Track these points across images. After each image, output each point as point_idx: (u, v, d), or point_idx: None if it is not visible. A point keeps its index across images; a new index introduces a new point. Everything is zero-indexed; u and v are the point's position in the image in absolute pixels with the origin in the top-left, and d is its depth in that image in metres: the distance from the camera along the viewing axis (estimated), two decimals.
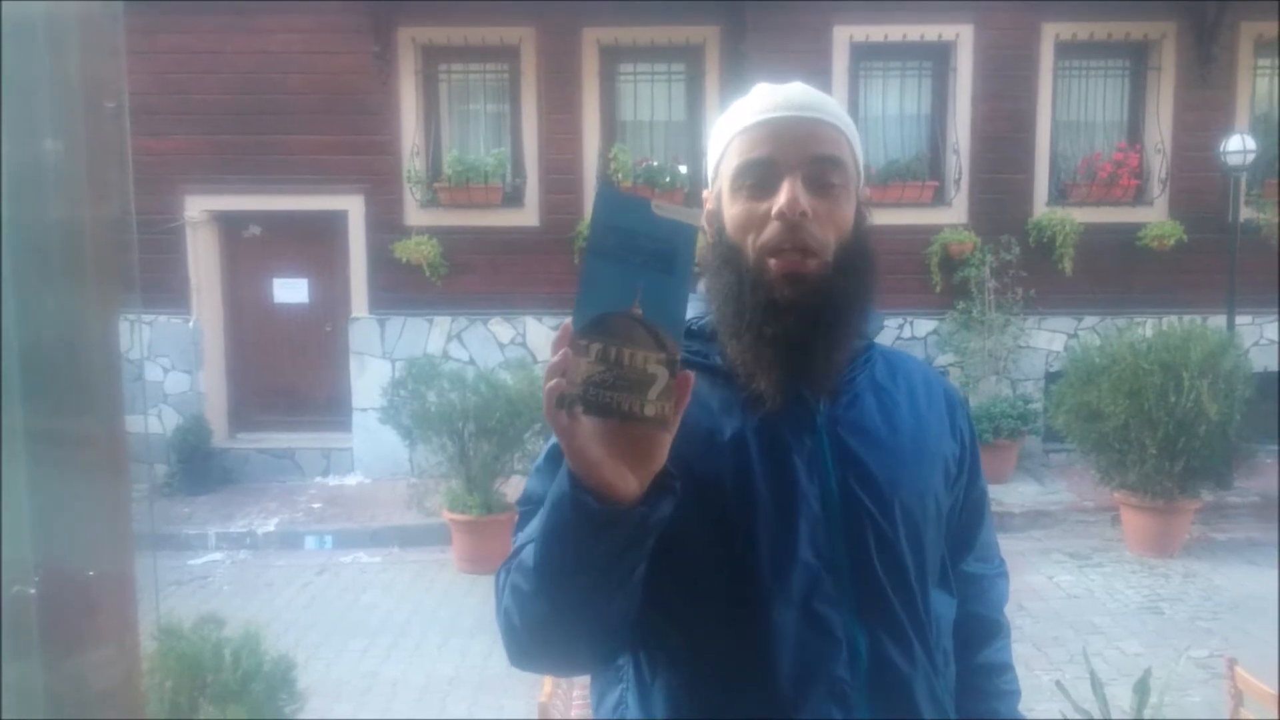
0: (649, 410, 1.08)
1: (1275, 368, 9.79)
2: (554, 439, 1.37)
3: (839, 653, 1.33)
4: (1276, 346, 10.00)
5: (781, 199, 1.32)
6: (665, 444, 1.13)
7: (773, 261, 1.34)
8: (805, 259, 1.34)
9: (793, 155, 1.35)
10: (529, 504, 1.39)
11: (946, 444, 1.50)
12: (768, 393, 1.34)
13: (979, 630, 1.60)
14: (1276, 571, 7.01)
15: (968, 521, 1.58)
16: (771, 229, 1.34)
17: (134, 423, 9.55)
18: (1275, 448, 9.18)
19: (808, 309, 1.33)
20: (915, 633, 1.39)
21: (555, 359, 1.07)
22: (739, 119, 1.41)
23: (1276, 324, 9.95)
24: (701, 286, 1.44)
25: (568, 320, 1.07)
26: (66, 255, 1.08)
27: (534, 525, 1.31)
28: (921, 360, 1.60)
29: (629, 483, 1.13)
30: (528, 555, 1.25)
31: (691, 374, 1.11)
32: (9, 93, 1.01)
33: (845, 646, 1.34)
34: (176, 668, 3.37)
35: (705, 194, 1.49)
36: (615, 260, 1.08)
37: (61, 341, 1.09)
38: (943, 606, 1.47)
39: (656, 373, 1.07)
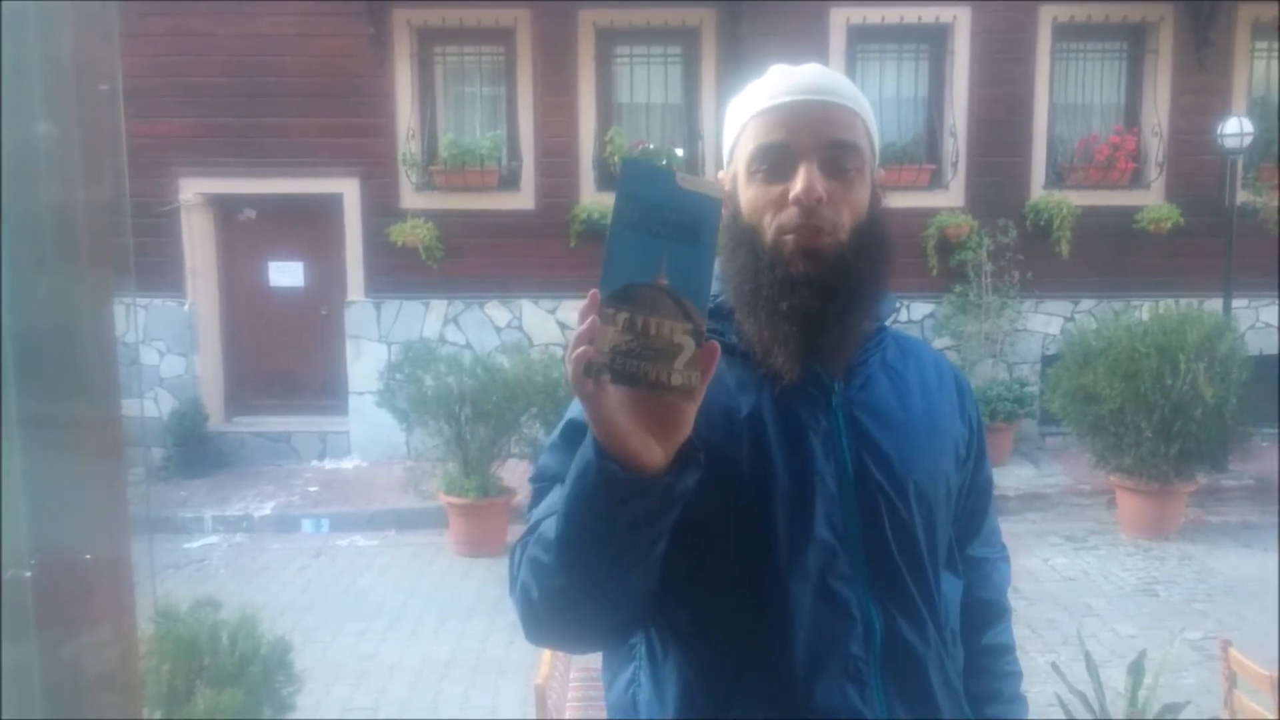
0: (676, 380, 1.08)
1: (1271, 350, 9.80)
2: (568, 415, 1.38)
3: (854, 629, 1.34)
4: (1273, 329, 10.00)
5: (798, 185, 1.33)
6: (691, 414, 1.13)
7: (789, 238, 1.35)
8: (821, 236, 1.34)
9: (808, 140, 1.35)
10: (543, 480, 1.39)
11: (956, 427, 1.52)
12: (785, 367, 1.34)
13: (983, 613, 1.62)
14: (1274, 554, 7.03)
15: (974, 506, 1.60)
16: (788, 213, 1.35)
17: (130, 406, 9.53)
18: (1271, 430, 9.20)
19: (823, 284, 1.34)
20: (928, 611, 1.40)
21: (583, 327, 1.06)
22: (755, 102, 1.41)
23: (1274, 306, 9.95)
24: (717, 266, 1.45)
25: (594, 290, 1.07)
26: (60, 239, 1.08)
27: (553, 498, 1.31)
28: (930, 346, 1.61)
29: (654, 452, 1.13)
30: (548, 528, 1.25)
31: (717, 344, 1.11)
32: (3, 77, 1.00)
33: (860, 623, 1.35)
34: (173, 650, 3.37)
35: (721, 175, 1.49)
36: (641, 231, 1.08)
37: (56, 325, 1.09)
38: (950, 588, 1.49)
39: (683, 342, 1.07)
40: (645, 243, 1.08)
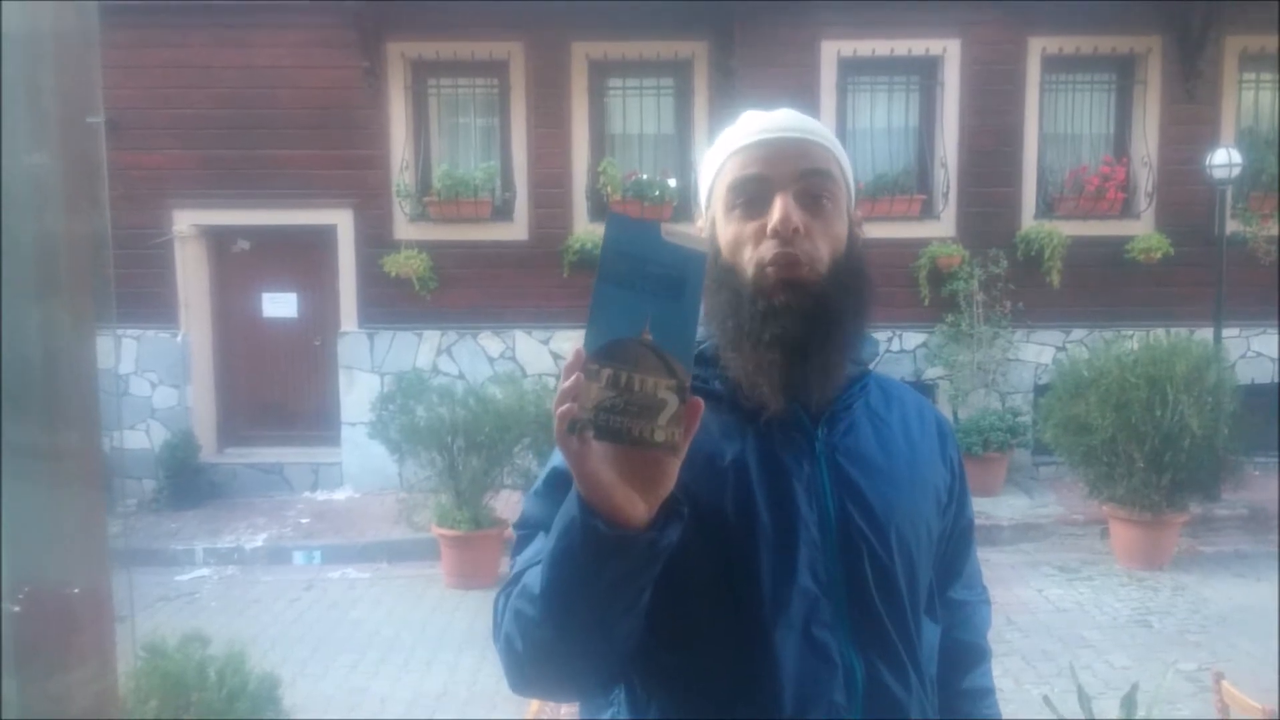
0: (659, 436, 1.08)
1: (1263, 380, 9.83)
2: (551, 464, 1.37)
3: (836, 677, 1.34)
4: (1264, 358, 10.03)
5: (775, 216, 1.33)
6: (674, 469, 1.13)
7: (769, 270, 1.35)
8: (800, 267, 1.35)
9: (784, 172, 1.36)
10: (527, 528, 1.38)
11: (938, 472, 1.51)
12: (769, 398, 1.34)
13: (964, 656, 1.62)
14: (1267, 584, 7.02)
15: (956, 549, 1.60)
16: (766, 246, 1.35)
17: (122, 438, 9.52)
18: (1264, 459, 9.20)
19: (804, 312, 1.34)
20: (909, 658, 1.40)
21: (567, 384, 1.06)
22: (730, 143, 1.43)
23: (1264, 335, 9.98)
24: (700, 312, 1.45)
25: (579, 346, 1.07)
26: (42, 271, 1.08)
27: (535, 550, 1.31)
28: (913, 389, 1.61)
29: (638, 508, 1.13)
30: (532, 580, 1.24)
31: (701, 401, 1.11)
32: None
33: (842, 670, 1.34)
34: (161, 687, 3.34)
35: (699, 222, 1.49)
36: (625, 286, 1.08)
37: (37, 357, 1.09)
38: (930, 634, 1.48)
39: (666, 398, 1.08)
40: (629, 298, 1.08)
